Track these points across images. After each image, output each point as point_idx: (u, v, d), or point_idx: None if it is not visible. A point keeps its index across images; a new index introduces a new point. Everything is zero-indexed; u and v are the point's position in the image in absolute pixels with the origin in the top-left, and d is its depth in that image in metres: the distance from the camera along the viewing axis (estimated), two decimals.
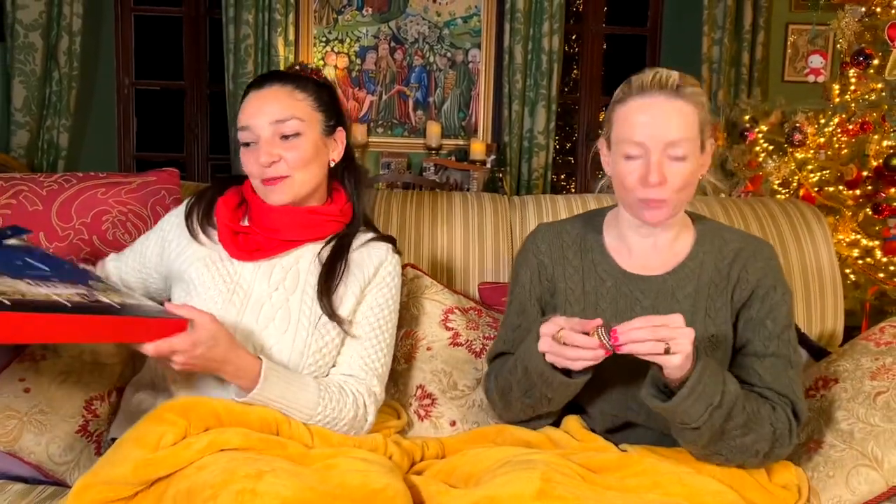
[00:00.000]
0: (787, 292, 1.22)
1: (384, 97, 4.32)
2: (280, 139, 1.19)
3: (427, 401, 1.41)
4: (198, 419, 1.02)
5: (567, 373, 1.14)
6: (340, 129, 1.29)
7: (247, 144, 1.21)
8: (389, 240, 1.33)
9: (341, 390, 1.18)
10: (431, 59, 4.32)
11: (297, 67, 1.28)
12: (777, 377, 1.17)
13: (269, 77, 1.23)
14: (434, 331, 1.47)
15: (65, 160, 3.88)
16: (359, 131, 4.22)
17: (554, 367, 1.12)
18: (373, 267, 1.27)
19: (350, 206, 1.32)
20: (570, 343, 1.05)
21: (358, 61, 4.27)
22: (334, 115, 1.28)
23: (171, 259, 1.27)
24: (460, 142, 4.32)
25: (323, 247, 1.26)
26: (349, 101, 4.31)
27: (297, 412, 1.12)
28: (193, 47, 4.33)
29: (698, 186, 1.22)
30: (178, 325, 1.00)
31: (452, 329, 1.48)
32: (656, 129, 1.12)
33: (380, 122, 4.34)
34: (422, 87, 4.34)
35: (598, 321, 1.04)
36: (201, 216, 1.26)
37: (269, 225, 1.23)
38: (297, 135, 1.20)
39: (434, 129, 4.22)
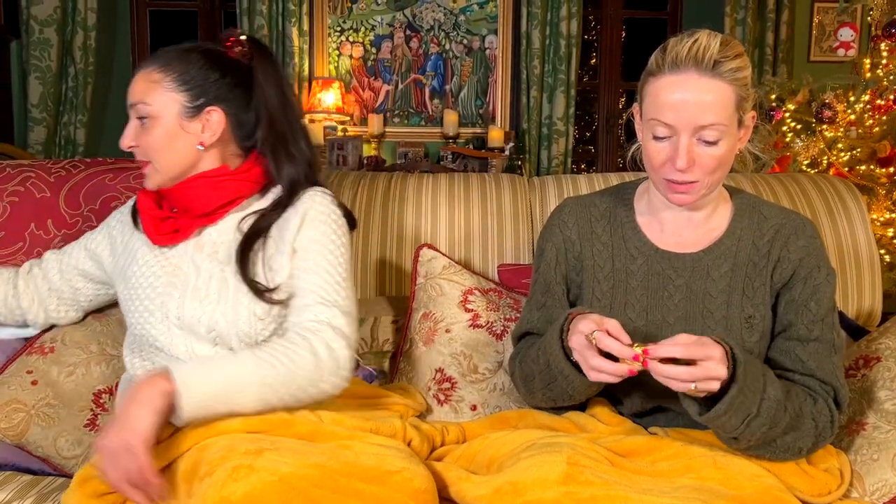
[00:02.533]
0: (830, 273, 1.15)
1: (400, 86, 4.27)
2: (140, 122, 1.16)
3: (447, 384, 1.36)
4: None
5: None
6: (213, 108, 1.17)
7: None
8: (315, 183, 1.23)
9: (286, 342, 1.05)
10: (447, 46, 4.26)
11: (224, 37, 1.22)
12: (820, 363, 1.11)
13: (147, 57, 1.19)
14: (453, 312, 1.42)
15: (82, 156, 3.88)
16: (375, 121, 4.18)
17: (577, 366, 1.07)
18: (299, 217, 1.17)
19: (264, 170, 1.22)
20: (601, 347, 1.00)
21: (373, 50, 4.23)
22: (206, 92, 1.16)
23: (118, 254, 1.24)
24: (478, 130, 4.26)
25: (244, 217, 1.18)
26: (365, 91, 4.26)
27: (247, 388, 0.98)
28: (209, 41, 4.30)
29: (738, 157, 1.16)
30: None
31: (472, 311, 1.42)
32: (687, 111, 1.05)
33: (396, 112, 4.29)
34: (438, 75, 4.28)
35: (637, 353, 0.98)
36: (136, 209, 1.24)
37: (176, 203, 1.18)
38: (148, 118, 1.15)
39: (451, 117, 4.17)
